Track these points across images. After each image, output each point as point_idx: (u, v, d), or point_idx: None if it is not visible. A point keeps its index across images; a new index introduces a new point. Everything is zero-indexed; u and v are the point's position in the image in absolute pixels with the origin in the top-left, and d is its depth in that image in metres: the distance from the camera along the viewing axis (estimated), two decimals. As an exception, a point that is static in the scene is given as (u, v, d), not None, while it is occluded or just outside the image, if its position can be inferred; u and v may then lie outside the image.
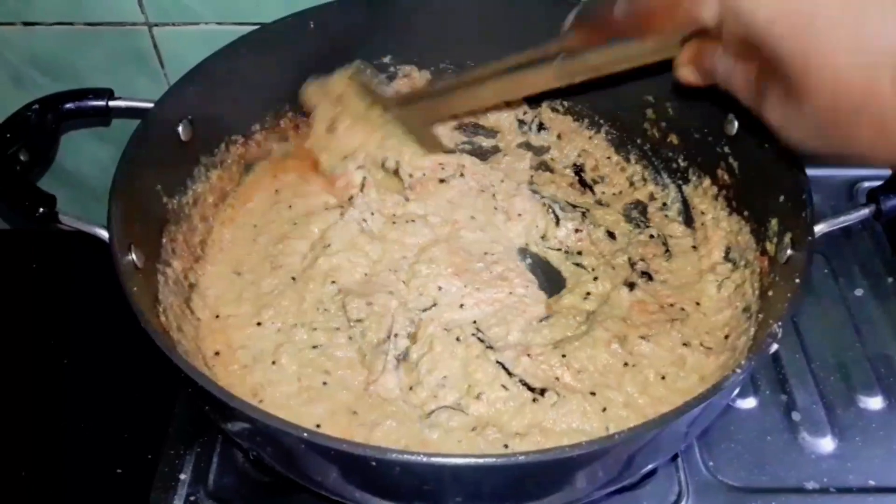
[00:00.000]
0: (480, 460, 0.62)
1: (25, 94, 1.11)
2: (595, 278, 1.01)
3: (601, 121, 1.18)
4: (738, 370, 0.69)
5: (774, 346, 0.73)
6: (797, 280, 0.76)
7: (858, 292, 1.15)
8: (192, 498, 0.93)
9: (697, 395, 0.67)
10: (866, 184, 1.27)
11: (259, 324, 0.94)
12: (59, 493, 1.03)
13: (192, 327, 0.92)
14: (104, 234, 0.80)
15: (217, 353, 0.91)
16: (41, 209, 0.81)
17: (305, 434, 0.63)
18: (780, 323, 0.73)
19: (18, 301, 1.25)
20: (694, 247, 1.04)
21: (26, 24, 1.19)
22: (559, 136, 1.20)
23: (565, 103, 1.19)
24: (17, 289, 1.27)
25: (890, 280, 1.16)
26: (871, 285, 1.16)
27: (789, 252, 0.84)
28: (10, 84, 1.25)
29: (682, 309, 0.96)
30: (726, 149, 1.01)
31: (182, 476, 0.95)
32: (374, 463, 0.63)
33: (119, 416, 1.10)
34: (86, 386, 1.14)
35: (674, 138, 1.10)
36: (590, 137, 1.19)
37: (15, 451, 1.06)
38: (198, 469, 0.96)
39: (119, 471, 1.04)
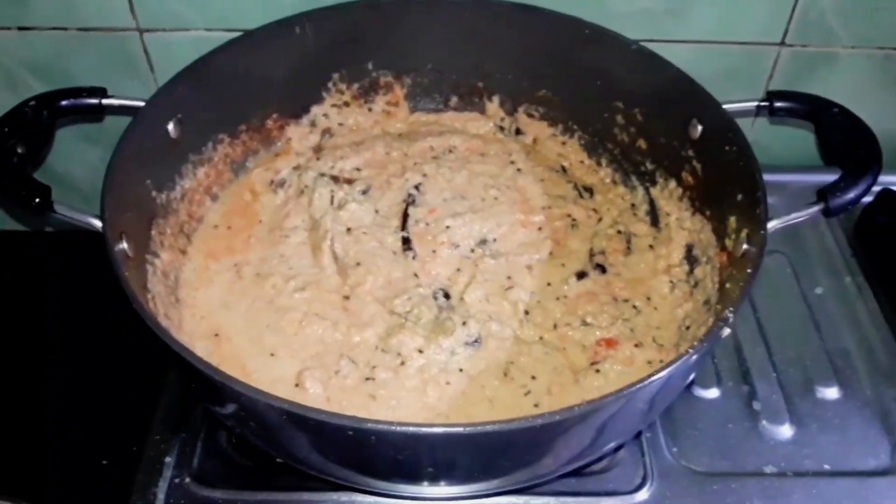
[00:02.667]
0: (446, 430, 0.66)
1: (19, 97, 1.15)
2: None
3: (574, 126, 1.23)
4: (691, 350, 0.74)
5: (727, 331, 0.77)
6: (749, 270, 0.81)
7: (818, 290, 1.21)
8: (176, 481, 0.96)
9: (655, 370, 0.71)
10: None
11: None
12: (44, 483, 1.06)
13: (178, 317, 0.96)
14: (97, 223, 0.84)
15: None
16: (37, 199, 0.85)
17: (286, 405, 0.67)
18: (731, 308, 0.78)
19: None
20: (651, 246, 1.09)
21: (21, 28, 1.23)
22: (535, 141, 1.25)
23: (541, 109, 1.25)
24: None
25: (848, 279, 1.22)
26: (830, 284, 1.21)
27: (745, 247, 0.90)
28: (4, 88, 1.29)
29: (634, 306, 1.02)
30: (690, 152, 1.06)
31: (167, 459, 0.98)
32: (350, 433, 0.67)
33: (103, 410, 1.13)
34: (69, 380, 1.17)
35: (642, 143, 1.15)
36: (563, 143, 1.25)
37: (-1, 444, 1.09)
38: (182, 453, 0.99)
39: (105, 462, 1.07)
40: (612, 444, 0.88)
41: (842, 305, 1.19)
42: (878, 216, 1.26)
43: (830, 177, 1.30)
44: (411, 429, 0.66)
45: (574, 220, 1.14)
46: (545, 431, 0.71)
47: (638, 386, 0.69)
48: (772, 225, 0.86)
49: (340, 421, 0.66)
